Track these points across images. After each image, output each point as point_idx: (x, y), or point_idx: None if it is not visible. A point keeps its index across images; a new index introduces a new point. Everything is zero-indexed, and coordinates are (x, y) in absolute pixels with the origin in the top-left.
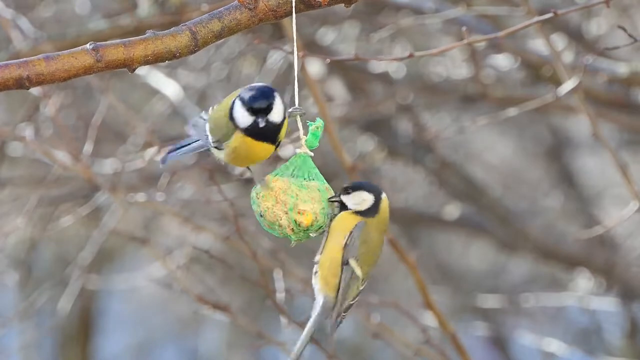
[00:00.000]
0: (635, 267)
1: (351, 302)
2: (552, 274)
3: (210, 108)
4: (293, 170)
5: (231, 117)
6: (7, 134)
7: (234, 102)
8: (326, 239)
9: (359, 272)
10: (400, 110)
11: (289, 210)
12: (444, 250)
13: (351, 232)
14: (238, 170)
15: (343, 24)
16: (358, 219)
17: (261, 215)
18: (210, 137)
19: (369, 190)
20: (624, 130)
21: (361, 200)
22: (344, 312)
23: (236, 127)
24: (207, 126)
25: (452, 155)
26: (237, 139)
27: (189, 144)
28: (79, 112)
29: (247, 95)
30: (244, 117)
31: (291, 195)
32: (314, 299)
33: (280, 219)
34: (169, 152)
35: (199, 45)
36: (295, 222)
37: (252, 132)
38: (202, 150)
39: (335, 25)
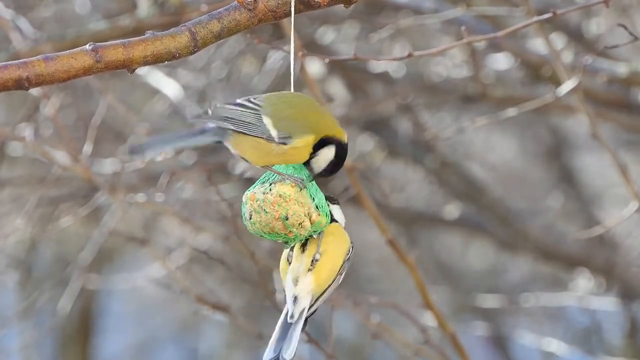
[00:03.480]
0: (635, 267)
1: (315, 309)
2: (552, 274)
3: (246, 101)
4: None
5: (317, 144)
6: (7, 134)
7: (330, 142)
8: (321, 241)
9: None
10: (400, 110)
11: (307, 212)
12: (443, 250)
13: (351, 249)
14: (238, 170)
15: (343, 24)
16: (348, 236)
17: (286, 218)
18: (275, 131)
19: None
20: (623, 130)
21: (342, 216)
22: (311, 315)
23: (312, 155)
24: (269, 120)
25: (452, 155)
26: (306, 141)
27: (184, 137)
28: (79, 113)
29: (341, 161)
30: (322, 163)
31: (307, 197)
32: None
33: (303, 221)
34: (146, 146)
35: (199, 45)
36: (316, 223)
37: (309, 164)
38: (198, 144)
39: (334, 25)
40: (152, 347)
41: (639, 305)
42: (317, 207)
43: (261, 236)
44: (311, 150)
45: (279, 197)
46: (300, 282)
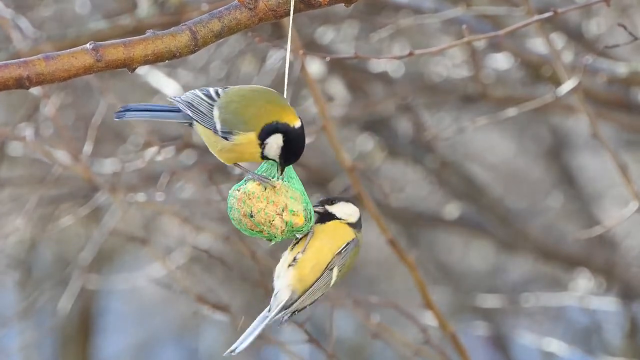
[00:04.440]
0: (635, 267)
1: (309, 304)
2: (552, 274)
3: (213, 92)
4: (263, 172)
5: (262, 134)
6: (7, 134)
7: (273, 128)
8: (310, 240)
9: (333, 280)
10: (400, 110)
11: (281, 210)
12: (444, 250)
13: (348, 243)
14: (238, 170)
15: (343, 23)
16: (352, 232)
17: (251, 216)
18: (219, 124)
19: (354, 204)
20: (623, 130)
21: (351, 212)
22: (297, 312)
23: (261, 143)
24: (217, 112)
25: (452, 155)
26: (249, 138)
27: (161, 111)
28: (79, 112)
29: (293, 146)
30: (275, 152)
31: (283, 196)
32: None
33: (273, 220)
34: (128, 109)
35: (199, 44)
36: (288, 222)
37: (266, 157)
38: (171, 120)
39: (334, 25)
40: (152, 347)
41: (639, 305)
42: (303, 206)
43: (243, 232)
44: (259, 145)
45: (244, 195)
46: (281, 278)
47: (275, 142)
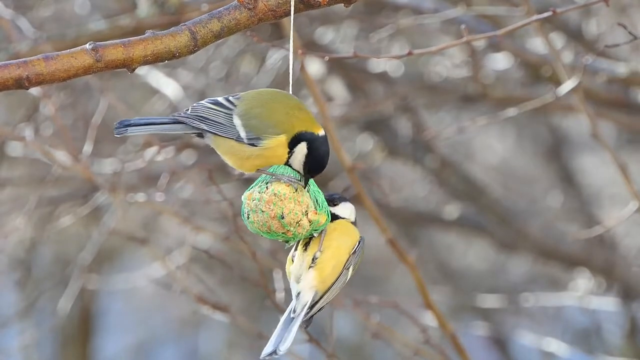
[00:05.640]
0: (635, 267)
1: (326, 304)
2: (552, 274)
3: (224, 101)
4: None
5: (291, 142)
6: (7, 134)
7: (301, 137)
8: (325, 239)
9: (348, 278)
10: (400, 110)
11: (305, 210)
12: (443, 250)
13: (359, 242)
14: (238, 170)
15: (342, 23)
16: (357, 230)
17: (282, 217)
18: (244, 132)
19: (350, 202)
20: (623, 130)
21: (351, 211)
22: (318, 311)
23: (289, 154)
24: (239, 121)
25: (452, 155)
26: (279, 140)
27: (163, 124)
28: (79, 112)
29: (318, 155)
30: (299, 162)
31: (305, 196)
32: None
33: (300, 220)
34: (128, 125)
35: (199, 45)
36: (313, 222)
37: (290, 165)
38: (176, 132)
39: (334, 25)
40: (152, 347)
41: (639, 305)
42: (317, 206)
43: (261, 235)
44: (287, 150)
45: (273, 196)
46: (302, 279)
47: (300, 152)
